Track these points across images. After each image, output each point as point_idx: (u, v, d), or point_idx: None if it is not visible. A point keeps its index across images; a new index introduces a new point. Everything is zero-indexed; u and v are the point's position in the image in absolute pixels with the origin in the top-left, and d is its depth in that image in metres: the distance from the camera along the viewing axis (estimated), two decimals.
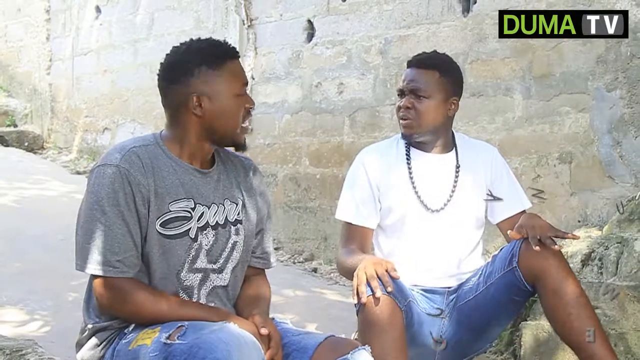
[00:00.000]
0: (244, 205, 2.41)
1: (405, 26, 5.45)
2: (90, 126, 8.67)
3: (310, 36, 6.17)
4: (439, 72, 2.97)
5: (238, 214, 2.38)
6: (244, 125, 2.34)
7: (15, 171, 7.75)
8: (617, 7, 4.20)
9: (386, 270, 2.57)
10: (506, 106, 4.84)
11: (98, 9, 8.54)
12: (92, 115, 8.65)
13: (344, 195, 3.04)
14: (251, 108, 2.35)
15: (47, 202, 6.64)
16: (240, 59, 2.37)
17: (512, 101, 4.81)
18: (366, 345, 2.25)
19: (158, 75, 2.37)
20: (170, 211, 2.25)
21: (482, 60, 4.96)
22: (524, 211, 3.01)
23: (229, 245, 2.36)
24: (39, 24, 9.36)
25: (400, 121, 2.98)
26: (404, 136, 2.99)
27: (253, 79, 6.56)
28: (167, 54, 2.37)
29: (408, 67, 3.03)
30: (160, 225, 2.24)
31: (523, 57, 4.75)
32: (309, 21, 6.16)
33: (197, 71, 2.28)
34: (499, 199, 3.01)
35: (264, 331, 2.18)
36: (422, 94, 2.93)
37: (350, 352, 2.18)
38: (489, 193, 3.01)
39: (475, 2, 5.02)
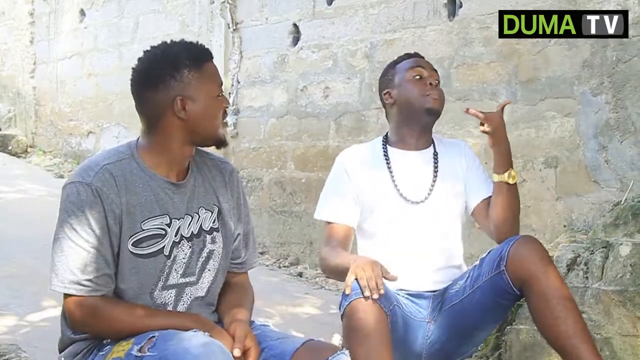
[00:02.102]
0: (220, 212, 2.37)
1: (391, 30, 5.44)
2: (75, 130, 8.64)
3: (296, 40, 6.17)
4: None
5: (214, 221, 2.35)
6: (224, 121, 2.34)
7: None
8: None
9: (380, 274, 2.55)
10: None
11: (82, 13, 8.52)
12: (76, 119, 8.62)
13: (323, 195, 3.05)
14: (227, 107, 2.35)
15: (30, 206, 6.61)
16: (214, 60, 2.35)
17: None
18: (345, 349, 2.22)
19: (132, 81, 2.31)
20: (143, 230, 2.21)
21: (468, 65, 4.95)
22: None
23: (204, 254, 2.32)
24: (23, 27, 9.32)
25: (433, 96, 3.00)
26: (432, 112, 3.00)
27: (238, 82, 6.55)
28: (139, 59, 2.31)
29: (411, 57, 3.11)
30: (132, 245, 2.19)
31: (509, 61, 4.76)
32: (295, 25, 6.16)
33: (178, 74, 2.23)
34: None
35: (237, 352, 2.11)
36: (439, 80, 3.08)
37: (330, 356, 2.15)
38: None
39: (461, 7, 5.02)
